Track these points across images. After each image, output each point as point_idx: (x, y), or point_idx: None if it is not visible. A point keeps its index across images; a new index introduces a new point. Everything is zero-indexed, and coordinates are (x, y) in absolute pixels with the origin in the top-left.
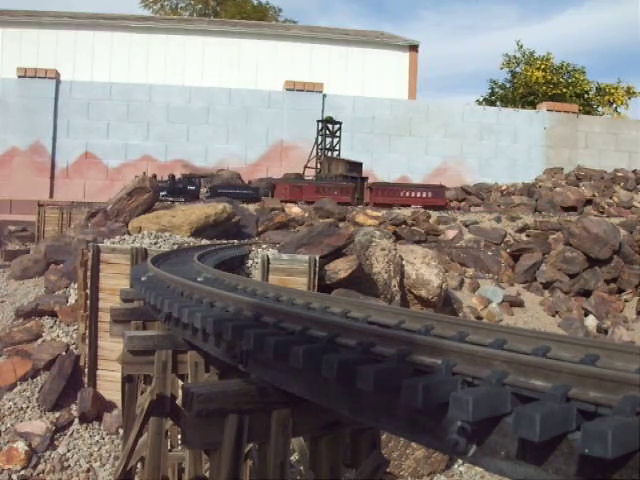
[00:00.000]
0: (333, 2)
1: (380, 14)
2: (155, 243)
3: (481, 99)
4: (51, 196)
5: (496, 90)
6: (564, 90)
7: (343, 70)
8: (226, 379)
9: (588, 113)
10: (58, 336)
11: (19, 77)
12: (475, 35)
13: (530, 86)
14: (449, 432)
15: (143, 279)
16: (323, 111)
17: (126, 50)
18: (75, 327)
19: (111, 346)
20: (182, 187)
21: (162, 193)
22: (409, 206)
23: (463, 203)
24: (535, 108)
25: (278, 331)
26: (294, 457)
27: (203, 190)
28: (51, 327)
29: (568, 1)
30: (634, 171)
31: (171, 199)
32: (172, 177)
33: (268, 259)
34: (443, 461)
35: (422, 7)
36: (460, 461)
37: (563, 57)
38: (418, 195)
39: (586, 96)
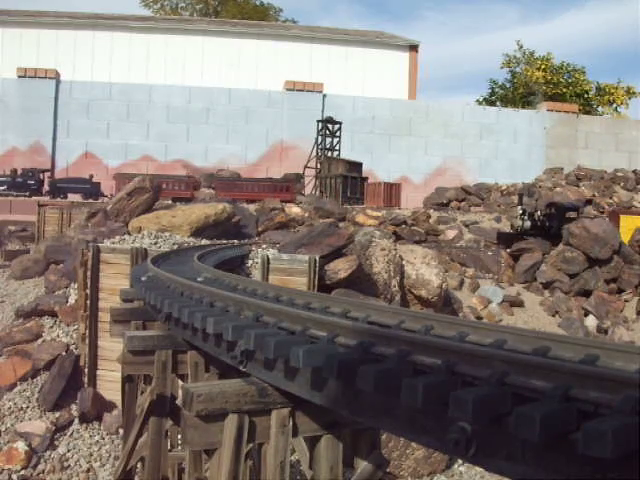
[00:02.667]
0: (335, 2)
1: (382, 14)
2: (155, 243)
3: (481, 99)
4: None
5: (496, 90)
6: (564, 90)
7: (343, 70)
8: (226, 379)
9: (588, 113)
10: (58, 336)
11: (19, 77)
12: (476, 35)
13: (530, 86)
14: (449, 432)
15: (143, 279)
16: (323, 111)
17: (126, 50)
18: (75, 327)
19: (111, 346)
20: (22, 181)
21: (1, 188)
22: (254, 201)
23: (463, 203)
24: (535, 108)
25: (278, 331)
26: (294, 457)
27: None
28: (51, 327)
29: (569, 2)
30: (634, 171)
31: (15, 193)
32: (14, 171)
33: (268, 259)
34: (443, 461)
35: (424, 7)
36: (460, 461)
37: (564, 57)
38: (261, 190)
39: (586, 96)
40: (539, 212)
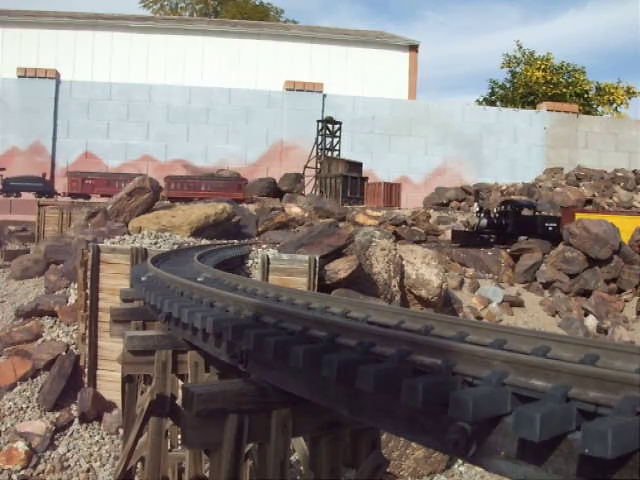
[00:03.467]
0: (337, 3)
1: (383, 15)
2: (155, 243)
3: (481, 99)
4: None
5: (496, 90)
6: (564, 90)
7: (343, 70)
8: (226, 379)
9: (588, 113)
10: (58, 336)
11: (19, 77)
12: (477, 35)
13: (530, 86)
14: (449, 432)
15: (143, 279)
16: (323, 111)
17: (126, 50)
18: (75, 327)
19: (111, 346)
20: None
21: None
22: (204, 199)
23: (463, 203)
24: (535, 108)
25: (278, 331)
26: (294, 457)
27: None
28: (51, 327)
29: (570, 2)
30: (634, 171)
31: None
32: None
33: (268, 259)
34: (443, 461)
35: (425, 8)
36: (460, 461)
37: (564, 57)
38: (213, 189)
39: (586, 96)
40: (495, 210)
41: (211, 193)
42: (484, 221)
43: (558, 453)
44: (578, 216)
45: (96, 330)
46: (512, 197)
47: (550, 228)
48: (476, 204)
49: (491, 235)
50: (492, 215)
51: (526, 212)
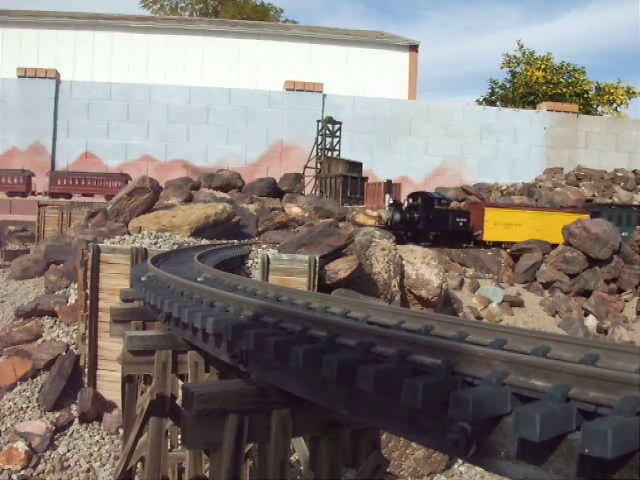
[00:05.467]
0: (337, 3)
1: (385, 15)
2: (155, 243)
3: (481, 99)
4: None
5: (496, 90)
6: (564, 90)
7: (343, 70)
8: (226, 379)
9: (588, 113)
10: (58, 336)
11: (19, 77)
12: (478, 35)
13: (530, 86)
14: (449, 432)
15: (143, 279)
16: (323, 111)
17: (126, 50)
18: (75, 327)
19: (111, 346)
20: None
21: None
22: (92, 195)
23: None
24: (535, 108)
25: (278, 331)
26: (294, 457)
27: None
28: (51, 327)
29: (571, 2)
30: (634, 171)
31: None
32: None
33: (268, 259)
34: (443, 461)
35: (427, 8)
36: (460, 461)
37: (565, 57)
38: (105, 185)
39: (586, 96)
40: (405, 203)
41: (96, 189)
42: (397, 215)
43: (558, 453)
44: (487, 211)
45: (96, 330)
46: (424, 190)
47: (461, 224)
48: (388, 196)
49: (407, 231)
50: (404, 209)
51: (438, 206)
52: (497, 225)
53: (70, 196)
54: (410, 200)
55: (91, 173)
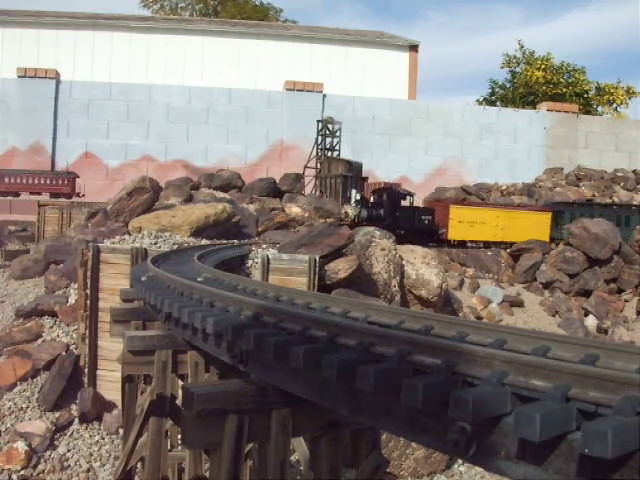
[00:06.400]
0: (338, 3)
1: (386, 15)
2: (155, 243)
3: (481, 99)
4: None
5: (496, 90)
6: (564, 90)
7: (343, 70)
8: (226, 379)
9: (588, 113)
10: (58, 336)
11: (19, 77)
12: (479, 36)
13: (530, 86)
14: (449, 432)
15: (143, 279)
16: (323, 111)
17: (126, 50)
18: (75, 327)
19: (111, 346)
20: None
21: None
22: (40, 194)
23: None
24: (535, 108)
25: (278, 331)
26: (294, 457)
27: None
28: (51, 327)
29: (573, 2)
30: (634, 171)
31: None
32: None
33: (268, 259)
34: (443, 461)
35: (427, 8)
36: (460, 461)
37: (566, 58)
38: (52, 183)
39: (586, 96)
40: (371, 200)
41: (41, 187)
42: (365, 212)
43: (558, 453)
44: (452, 209)
45: (96, 330)
46: (390, 184)
47: (426, 221)
48: (354, 191)
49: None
50: (369, 205)
51: (403, 202)
52: (462, 223)
53: (18, 194)
54: (375, 196)
55: (38, 171)
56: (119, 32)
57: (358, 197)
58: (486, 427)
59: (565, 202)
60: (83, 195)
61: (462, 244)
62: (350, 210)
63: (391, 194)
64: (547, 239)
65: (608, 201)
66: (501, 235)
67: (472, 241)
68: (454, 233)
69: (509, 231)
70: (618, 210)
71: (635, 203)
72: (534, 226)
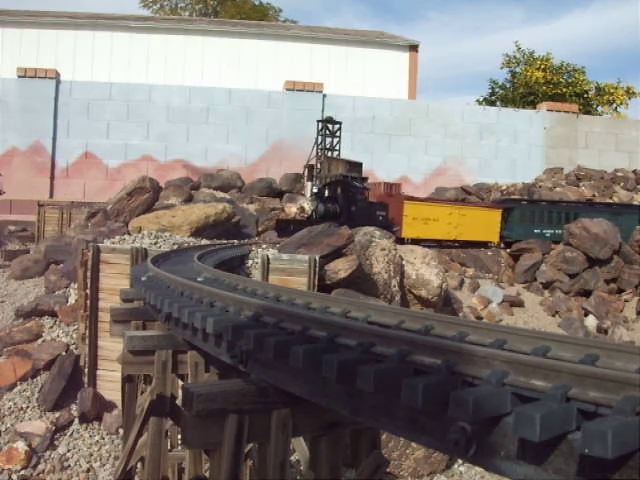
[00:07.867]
0: (339, 3)
1: (386, 15)
2: (155, 243)
3: (481, 99)
4: (51, 196)
5: (496, 90)
6: (564, 90)
7: (343, 70)
8: (226, 379)
9: (588, 113)
10: (58, 336)
11: (19, 77)
12: (480, 36)
13: (530, 86)
14: (449, 432)
15: (143, 279)
16: (323, 111)
17: (126, 50)
18: (75, 327)
19: (111, 346)
20: None
21: None
22: None
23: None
24: (535, 108)
25: (278, 331)
26: (294, 457)
27: None
28: (51, 327)
29: (574, 2)
30: (634, 171)
31: None
32: None
33: (268, 259)
34: (443, 461)
35: (428, 8)
36: (460, 461)
37: (566, 58)
38: None
39: (586, 96)
40: (326, 193)
41: None
42: (322, 207)
43: (558, 453)
44: (406, 205)
45: (96, 330)
46: (344, 175)
47: (380, 218)
48: (310, 184)
49: (330, 225)
50: (324, 199)
51: (359, 195)
52: (416, 220)
53: None
54: (329, 189)
55: None
56: (119, 32)
57: (315, 190)
58: (486, 427)
59: (514, 199)
60: (4, 192)
61: (416, 243)
62: (306, 205)
63: (345, 187)
64: (496, 239)
65: (556, 198)
66: (454, 233)
67: (426, 240)
68: (408, 231)
69: (461, 229)
70: (566, 207)
71: (582, 200)
72: (484, 224)
